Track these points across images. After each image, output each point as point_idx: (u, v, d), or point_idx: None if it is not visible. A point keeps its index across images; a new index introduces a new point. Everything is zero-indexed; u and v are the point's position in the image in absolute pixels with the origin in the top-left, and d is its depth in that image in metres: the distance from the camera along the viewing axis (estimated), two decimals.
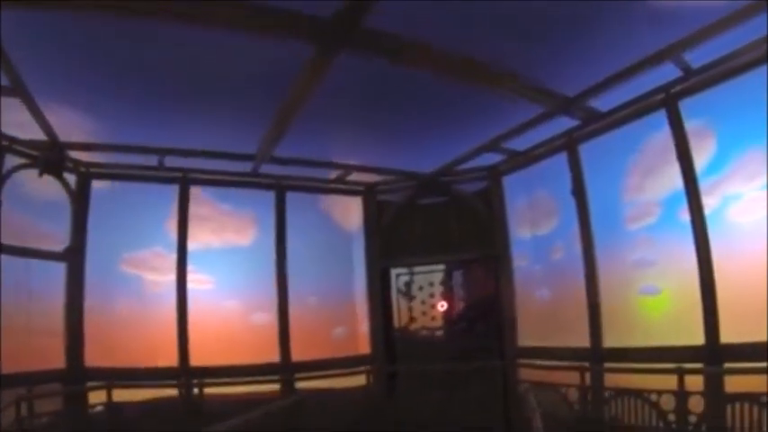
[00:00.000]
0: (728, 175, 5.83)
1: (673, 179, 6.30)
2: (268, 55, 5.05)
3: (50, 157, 6.47)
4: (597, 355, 7.03)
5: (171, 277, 7.88)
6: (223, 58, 5.16)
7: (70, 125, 6.18)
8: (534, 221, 8.53)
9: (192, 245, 8.10)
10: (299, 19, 4.43)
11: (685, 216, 6.16)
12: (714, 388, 5.56)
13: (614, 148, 7.08)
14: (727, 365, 5.57)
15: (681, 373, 5.69)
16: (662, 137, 6.40)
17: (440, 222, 9.44)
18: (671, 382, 5.77)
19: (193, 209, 8.25)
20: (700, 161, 6.08)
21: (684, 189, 6.14)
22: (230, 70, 5.44)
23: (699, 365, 5.76)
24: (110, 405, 6.69)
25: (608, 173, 7.24)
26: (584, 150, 7.56)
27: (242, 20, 4.37)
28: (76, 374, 6.77)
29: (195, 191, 8.34)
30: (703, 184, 6.03)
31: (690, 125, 6.15)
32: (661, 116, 6.41)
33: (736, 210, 5.79)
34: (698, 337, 5.88)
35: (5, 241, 5.95)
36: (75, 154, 7.08)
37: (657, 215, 6.59)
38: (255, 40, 4.68)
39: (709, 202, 5.98)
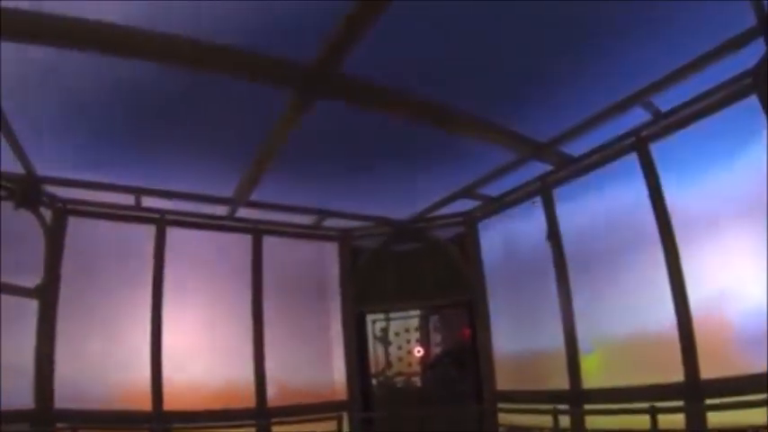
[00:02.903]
0: None
1: None
2: (247, 99, 5.12)
3: (27, 190, 6.43)
4: (576, 397, 7.00)
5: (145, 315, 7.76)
6: (203, 102, 5.21)
7: (49, 160, 6.15)
8: (509, 266, 8.59)
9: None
10: (279, 64, 4.54)
11: None
12: (694, 425, 5.58)
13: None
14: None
15: (654, 413, 5.69)
16: None
17: (415, 268, 9.47)
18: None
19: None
20: None
21: (658, 230, 6.25)
22: (209, 113, 5.48)
23: (676, 403, 5.75)
24: None
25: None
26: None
27: (222, 63, 4.46)
28: (45, 415, 6.53)
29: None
30: None
31: None
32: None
33: None
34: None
35: None
36: (53, 189, 7.02)
37: None
38: (234, 84, 4.75)
39: None
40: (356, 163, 7.02)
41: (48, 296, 6.86)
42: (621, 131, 6.47)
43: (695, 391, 5.70)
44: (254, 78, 4.71)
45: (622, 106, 5.82)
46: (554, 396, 7.19)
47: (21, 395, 6.34)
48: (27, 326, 6.70)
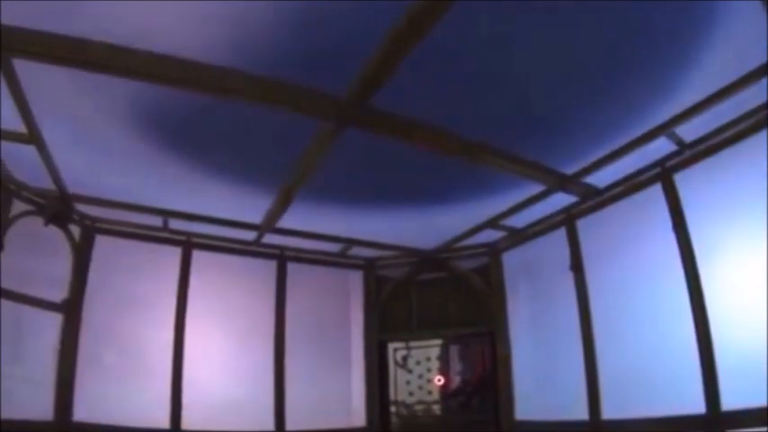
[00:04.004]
0: None
1: None
2: (277, 127, 5.23)
3: (57, 207, 6.61)
4: (596, 428, 6.88)
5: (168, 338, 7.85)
6: (234, 128, 5.33)
7: (79, 178, 6.32)
8: (532, 297, 8.53)
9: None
10: (312, 95, 4.65)
11: None
12: None
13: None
14: None
15: None
16: None
17: (438, 298, 9.45)
18: None
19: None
20: None
21: (681, 261, 6.17)
22: (240, 140, 5.60)
23: None
24: None
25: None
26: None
27: (254, 93, 4.56)
28: (63, 428, 6.59)
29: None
30: None
31: None
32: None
33: None
34: None
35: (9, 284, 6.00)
36: (82, 207, 7.19)
37: None
38: (265, 113, 4.86)
39: None
40: (383, 193, 7.08)
41: (72, 311, 7.00)
42: (646, 162, 6.45)
43: (716, 422, 5.58)
44: (286, 108, 4.80)
45: (647, 137, 5.80)
46: (573, 426, 7.12)
47: (40, 407, 6.46)
48: (49, 338, 6.83)
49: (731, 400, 5.49)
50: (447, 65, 4.42)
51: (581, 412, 7.08)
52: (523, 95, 5.02)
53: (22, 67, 4.19)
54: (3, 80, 4.33)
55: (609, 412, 6.85)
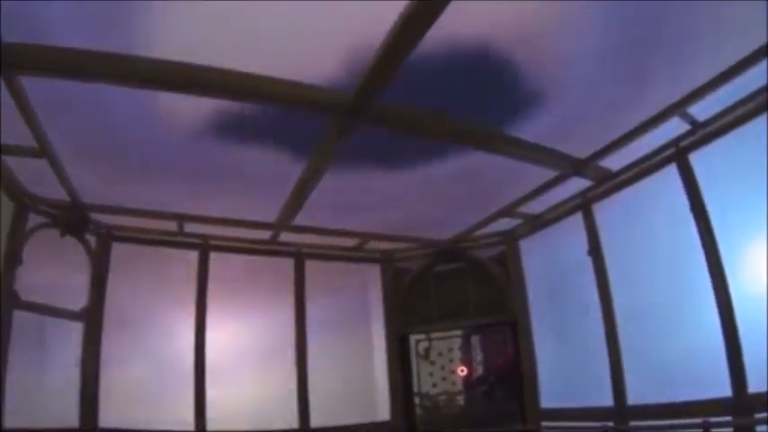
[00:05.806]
0: None
1: None
2: (287, 126, 5.22)
3: (72, 217, 6.66)
4: (622, 414, 6.83)
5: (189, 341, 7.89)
6: (245, 129, 5.32)
7: (92, 187, 6.35)
8: (552, 283, 8.49)
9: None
10: (320, 93, 4.63)
11: None
12: None
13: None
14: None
15: (707, 428, 5.53)
16: None
17: (457, 288, 9.41)
18: None
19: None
20: None
21: (701, 241, 6.09)
22: (251, 140, 5.59)
23: (724, 419, 5.58)
24: None
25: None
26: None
27: (264, 93, 4.55)
28: None
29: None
30: None
31: None
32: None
33: None
34: None
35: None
36: (97, 216, 7.23)
37: None
38: (273, 111, 4.86)
39: None
40: (396, 185, 7.03)
41: (93, 318, 7.06)
42: (660, 144, 6.35)
43: (744, 406, 5.50)
44: (295, 107, 4.80)
45: (660, 118, 5.70)
46: (599, 412, 7.06)
47: (66, 415, 6.53)
48: (72, 347, 6.90)
49: (758, 382, 5.38)
50: (454, 53, 4.38)
51: (606, 398, 7.03)
52: (536, 81, 4.96)
53: (29, 81, 4.21)
54: (12, 98, 4.35)
55: (634, 397, 6.81)
